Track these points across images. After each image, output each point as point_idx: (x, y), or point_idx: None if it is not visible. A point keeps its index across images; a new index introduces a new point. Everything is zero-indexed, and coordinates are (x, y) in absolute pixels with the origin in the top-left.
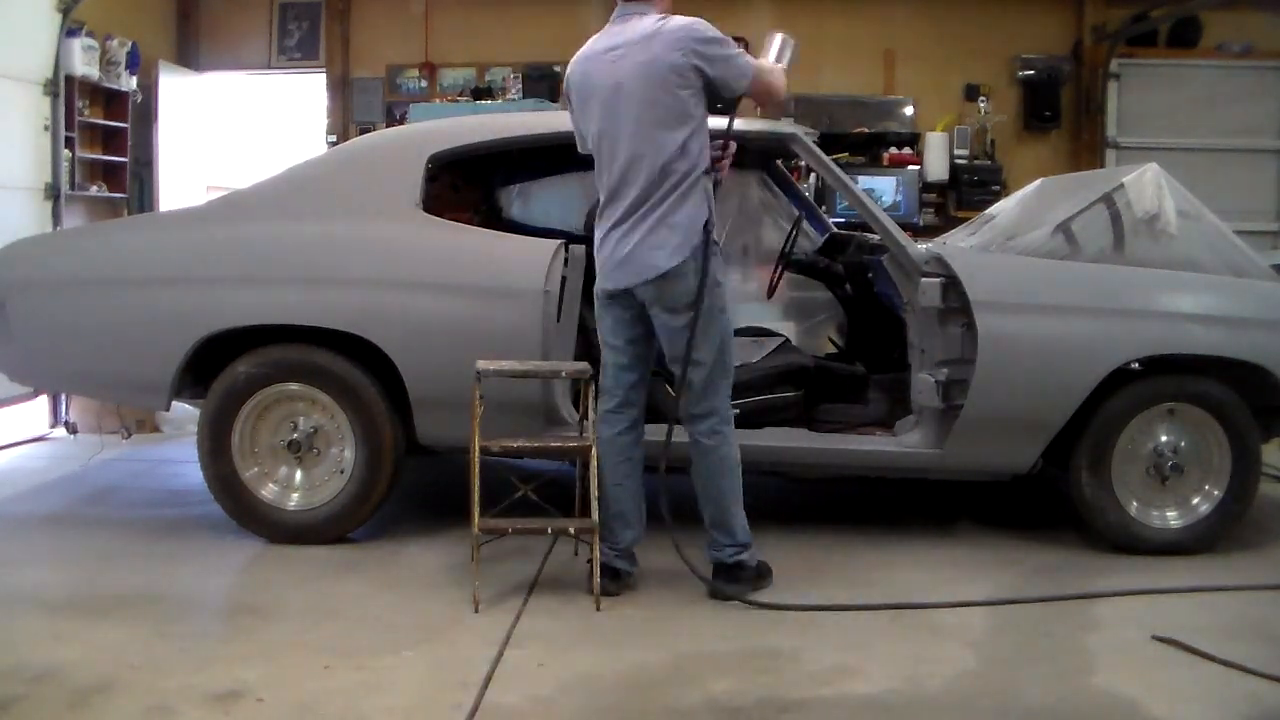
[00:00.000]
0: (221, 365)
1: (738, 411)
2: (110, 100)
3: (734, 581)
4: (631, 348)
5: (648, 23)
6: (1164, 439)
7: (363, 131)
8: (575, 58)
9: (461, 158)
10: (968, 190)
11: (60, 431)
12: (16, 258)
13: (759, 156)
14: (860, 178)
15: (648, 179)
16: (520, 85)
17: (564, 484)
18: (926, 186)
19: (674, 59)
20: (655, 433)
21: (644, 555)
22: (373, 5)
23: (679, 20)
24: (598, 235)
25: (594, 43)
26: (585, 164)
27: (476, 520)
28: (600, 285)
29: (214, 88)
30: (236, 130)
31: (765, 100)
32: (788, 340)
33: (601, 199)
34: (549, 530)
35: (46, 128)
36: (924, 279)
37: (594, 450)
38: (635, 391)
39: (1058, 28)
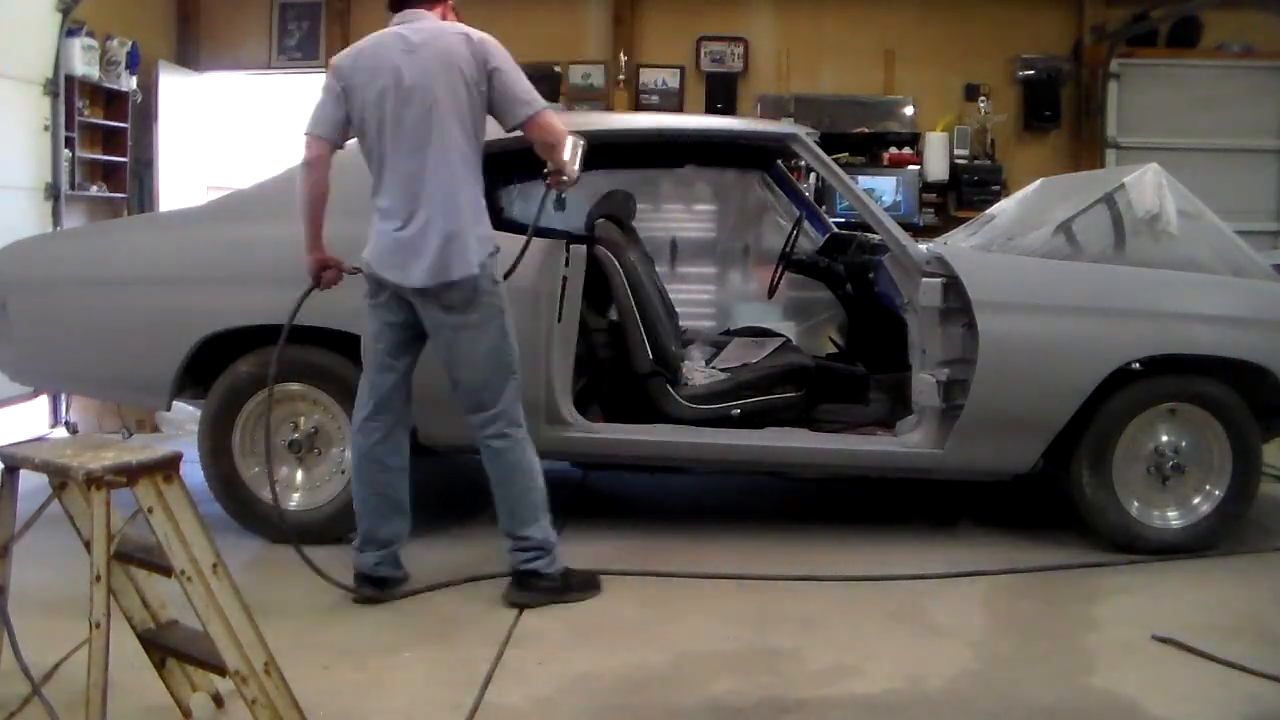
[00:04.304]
0: (222, 365)
1: (738, 412)
2: (110, 100)
3: (527, 589)
4: None
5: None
6: (1165, 439)
7: None
8: None
9: None
10: (968, 190)
11: (60, 431)
12: (16, 258)
13: (760, 156)
14: (860, 178)
15: None
16: None
17: (563, 484)
18: (926, 186)
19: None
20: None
21: (652, 557)
22: (373, 5)
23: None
24: None
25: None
26: (586, 164)
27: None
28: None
29: (214, 88)
30: (236, 130)
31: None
32: (789, 340)
33: None
34: None
35: (46, 128)
36: (925, 279)
37: None
38: None
39: (1058, 28)
